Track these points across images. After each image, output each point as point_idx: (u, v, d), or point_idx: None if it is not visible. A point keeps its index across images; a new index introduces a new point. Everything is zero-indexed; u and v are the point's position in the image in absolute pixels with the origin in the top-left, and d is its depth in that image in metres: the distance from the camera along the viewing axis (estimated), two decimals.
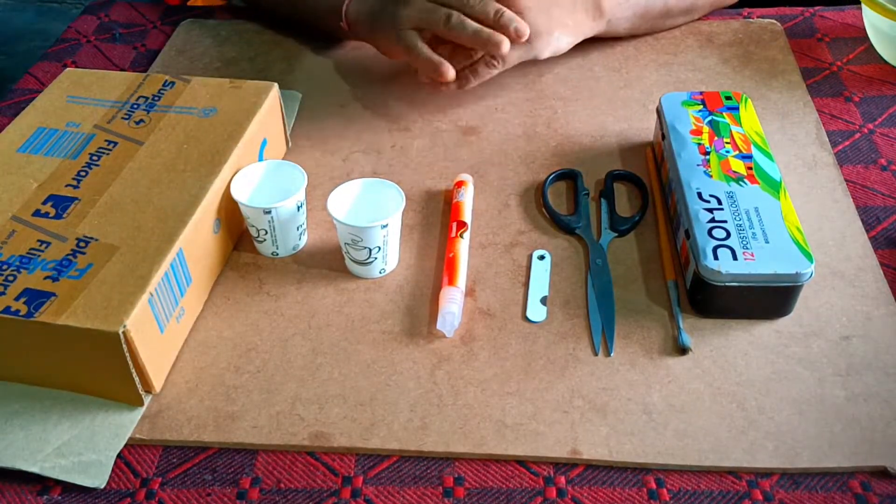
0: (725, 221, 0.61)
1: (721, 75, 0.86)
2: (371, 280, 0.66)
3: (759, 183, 0.65)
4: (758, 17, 0.94)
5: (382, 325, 0.62)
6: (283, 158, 0.77)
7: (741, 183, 0.65)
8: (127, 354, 0.53)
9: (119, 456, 0.55)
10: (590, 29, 0.84)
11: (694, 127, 0.70)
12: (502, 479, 0.53)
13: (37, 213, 0.61)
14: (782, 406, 0.56)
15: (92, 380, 0.57)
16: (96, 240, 0.59)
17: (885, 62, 0.87)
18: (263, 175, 0.68)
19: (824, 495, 0.52)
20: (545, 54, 0.80)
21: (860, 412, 0.55)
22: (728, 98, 0.73)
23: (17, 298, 0.54)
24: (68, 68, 0.80)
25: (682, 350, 0.59)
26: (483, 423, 0.55)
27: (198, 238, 0.62)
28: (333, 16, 0.84)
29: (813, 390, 0.57)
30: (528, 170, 0.76)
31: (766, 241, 0.60)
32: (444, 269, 0.65)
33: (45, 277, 0.56)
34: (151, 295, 0.55)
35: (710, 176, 0.65)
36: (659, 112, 0.74)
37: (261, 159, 0.72)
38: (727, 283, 0.59)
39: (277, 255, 0.68)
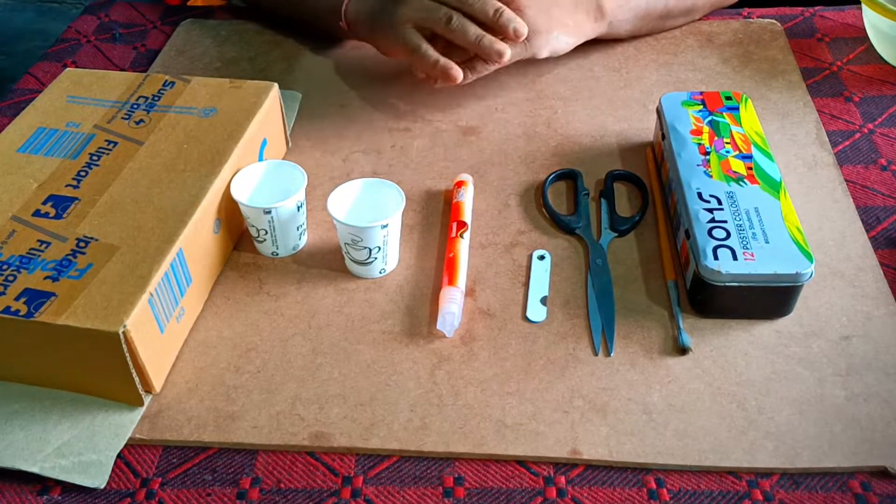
0: (725, 221, 0.61)
1: (721, 75, 0.86)
2: (371, 280, 0.66)
3: (759, 183, 0.65)
4: (758, 17, 0.94)
5: (382, 325, 0.62)
6: (283, 158, 0.77)
7: (741, 183, 0.65)
8: (127, 354, 0.53)
9: (119, 456, 0.55)
10: (591, 30, 0.84)
11: (694, 127, 0.70)
12: (502, 479, 0.53)
13: (37, 213, 0.61)
14: (782, 406, 0.56)
15: (92, 380, 0.57)
16: (96, 240, 0.59)
17: (885, 62, 0.87)
18: (263, 175, 0.68)
19: (824, 495, 0.52)
20: (543, 53, 0.80)
21: (860, 412, 0.55)
22: (728, 98, 0.73)
23: (17, 298, 0.54)
24: (68, 68, 0.80)
25: (682, 350, 0.59)
26: (483, 423, 0.55)
27: (198, 238, 0.62)
28: (333, 15, 0.84)
29: (813, 390, 0.57)
30: (528, 170, 0.76)
31: (766, 241, 0.60)
32: (444, 269, 0.65)
33: (45, 277, 0.56)
34: (151, 295, 0.55)
35: (710, 176, 0.65)
36: (659, 112, 0.74)
37: (261, 159, 0.72)
38: (727, 283, 0.59)
39: (277, 255, 0.68)
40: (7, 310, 0.53)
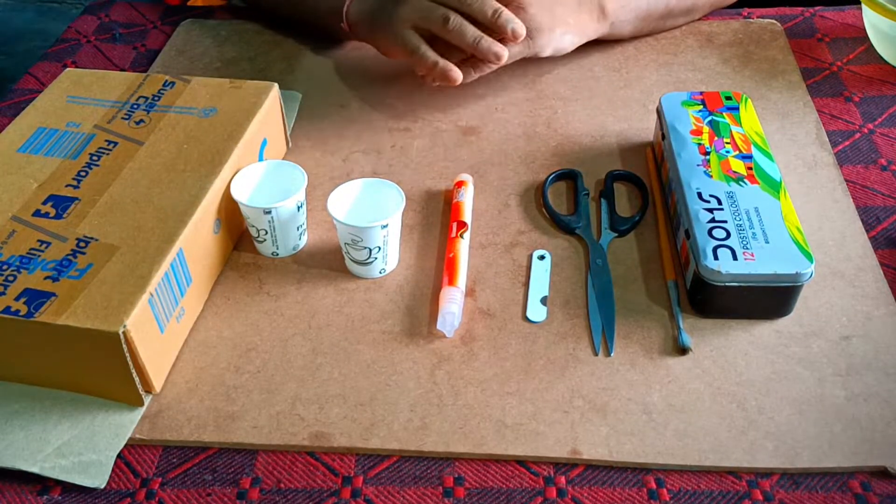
0: (725, 221, 0.61)
1: (721, 75, 0.86)
2: (371, 280, 0.66)
3: (759, 183, 0.65)
4: (758, 17, 0.94)
5: (382, 325, 0.62)
6: (283, 158, 0.77)
7: (741, 183, 0.65)
8: (127, 354, 0.53)
9: (119, 456, 0.55)
10: (593, 31, 0.83)
11: (694, 127, 0.70)
12: (502, 479, 0.53)
13: (37, 213, 0.61)
14: (782, 406, 0.56)
15: (92, 380, 0.57)
16: (96, 240, 0.59)
17: (885, 62, 0.87)
18: (263, 175, 0.68)
19: (824, 495, 0.52)
20: (546, 52, 0.80)
21: (860, 412, 0.55)
22: (728, 98, 0.73)
23: (17, 298, 0.54)
24: (68, 68, 0.80)
25: (682, 350, 0.59)
26: (483, 423, 0.55)
27: (198, 238, 0.62)
28: (334, 16, 0.84)
29: (813, 390, 0.57)
30: (528, 170, 0.76)
31: (766, 241, 0.60)
32: (444, 269, 0.65)
33: (45, 277, 0.56)
34: (151, 295, 0.55)
35: (710, 176, 0.65)
36: (659, 112, 0.74)
37: (261, 159, 0.72)
38: (727, 283, 0.59)
39: (277, 255, 0.68)
40: (7, 310, 0.53)
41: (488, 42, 0.73)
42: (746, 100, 0.73)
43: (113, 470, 0.54)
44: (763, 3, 0.97)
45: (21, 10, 2.56)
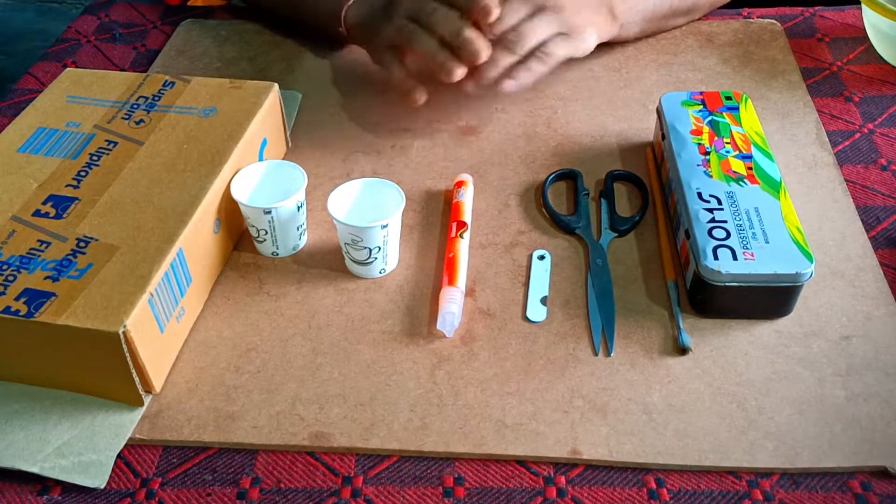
0: (725, 221, 0.61)
1: (721, 75, 0.86)
2: (371, 280, 0.66)
3: (759, 183, 0.65)
4: (758, 17, 0.94)
5: (382, 325, 0.62)
6: (283, 158, 0.77)
7: (741, 183, 0.65)
8: (127, 354, 0.53)
9: (119, 456, 0.55)
10: (607, 33, 0.83)
11: (694, 127, 0.70)
12: (502, 479, 0.53)
13: (37, 213, 0.61)
14: (782, 406, 0.56)
15: (92, 380, 0.57)
16: (96, 240, 0.59)
17: (885, 62, 0.87)
18: (263, 175, 0.68)
19: (824, 495, 0.52)
20: (580, 52, 0.78)
21: (860, 412, 0.55)
22: (728, 98, 0.73)
23: (17, 298, 0.54)
24: (68, 68, 0.80)
25: (682, 350, 0.59)
26: (483, 423, 0.55)
27: (198, 238, 0.62)
28: (333, 19, 0.84)
29: (813, 390, 0.57)
30: (528, 170, 0.76)
31: (766, 241, 0.60)
32: (444, 269, 0.65)
33: (45, 277, 0.56)
34: (151, 295, 0.55)
35: (710, 176, 0.65)
36: (659, 112, 0.74)
37: (261, 159, 0.72)
38: (727, 283, 0.59)
39: (277, 255, 0.68)
40: (7, 310, 0.53)
41: (443, 58, 0.71)
42: (746, 100, 0.73)
43: (113, 470, 0.54)
44: (763, 3, 0.97)
45: (21, 10, 2.56)
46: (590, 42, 0.79)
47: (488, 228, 0.70)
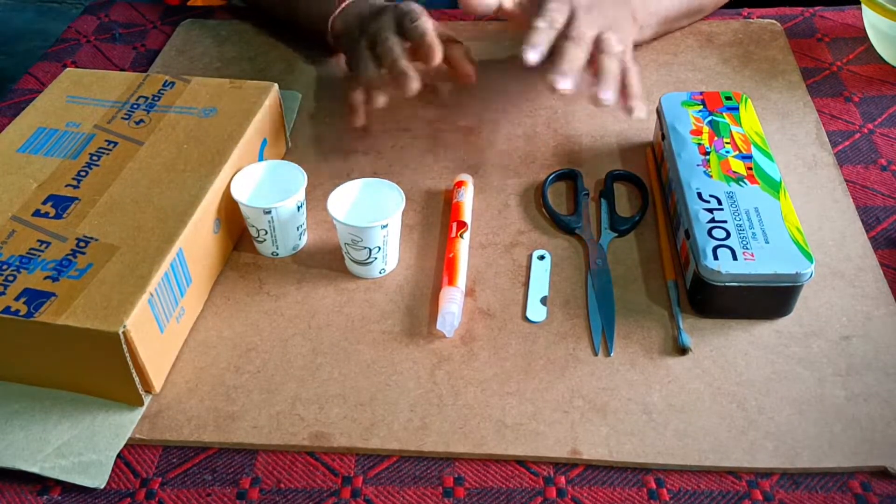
0: (725, 221, 0.61)
1: (721, 75, 0.86)
2: (371, 280, 0.66)
3: (759, 183, 0.65)
4: (758, 17, 0.94)
5: (382, 325, 0.62)
6: (283, 158, 0.77)
7: (741, 183, 0.65)
8: (127, 354, 0.53)
9: (119, 456, 0.55)
10: (630, 36, 0.82)
11: (694, 127, 0.70)
12: (502, 479, 0.53)
13: (37, 213, 0.61)
14: (782, 406, 0.56)
15: (92, 380, 0.57)
16: (96, 240, 0.59)
17: (885, 62, 0.87)
18: (263, 175, 0.68)
19: (824, 495, 0.52)
20: (630, 46, 0.74)
21: (860, 412, 0.55)
22: (728, 98, 0.73)
23: (17, 298, 0.54)
24: (68, 68, 0.80)
25: (682, 350, 0.59)
26: (483, 423, 0.55)
27: (198, 238, 0.62)
28: (323, 26, 0.84)
29: (813, 390, 0.57)
30: (528, 170, 0.76)
31: (766, 241, 0.60)
32: (444, 269, 0.65)
33: (45, 277, 0.56)
34: (151, 295, 0.55)
35: (710, 176, 0.65)
36: (659, 112, 0.74)
37: (261, 159, 0.72)
38: (727, 283, 0.59)
39: (277, 255, 0.68)
40: (7, 310, 0.53)
41: (400, 68, 0.70)
42: (746, 100, 0.73)
43: (113, 470, 0.54)
44: (763, 3, 0.97)
45: (21, 10, 2.56)
46: (631, 35, 0.75)
47: (488, 228, 0.70)
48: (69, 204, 0.62)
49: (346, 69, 0.81)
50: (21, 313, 0.53)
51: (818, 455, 0.53)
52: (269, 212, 0.64)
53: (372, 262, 0.64)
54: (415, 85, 0.69)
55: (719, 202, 0.63)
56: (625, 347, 0.60)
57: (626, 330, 0.61)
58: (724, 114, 0.72)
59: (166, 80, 0.75)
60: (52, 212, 0.61)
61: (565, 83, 0.64)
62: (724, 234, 0.60)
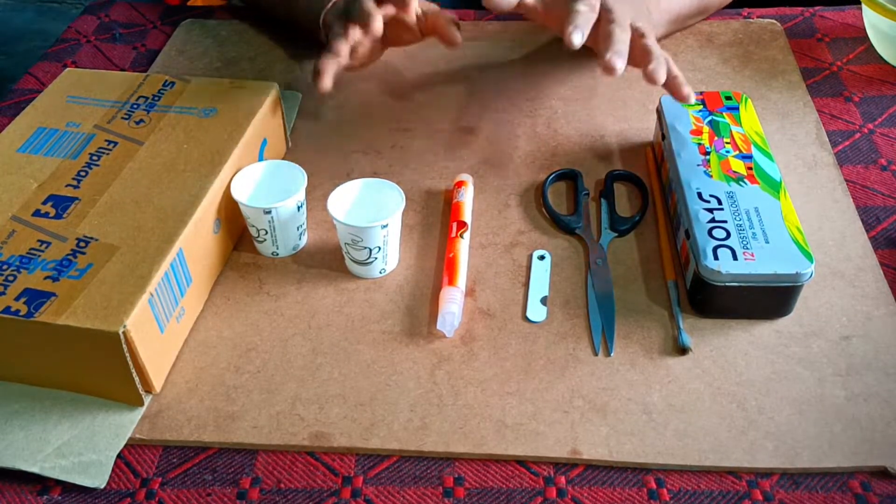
0: (725, 221, 0.61)
1: (721, 75, 0.86)
2: (371, 280, 0.66)
3: (759, 183, 0.65)
4: (758, 17, 0.94)
5: (382, 325, 0.62)
6: (283, 158, 0.77)
7: (741, 183, 0.65)
8: (127, 354, 0.53)
9: (119, 456, 0.55)
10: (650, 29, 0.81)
11: (694, 127, 0.70)
12: (502, 479, 0.53)
13: (37, 213, 0.61)
14: (782, 406, 0.56)
15: (92, 380, 0.57)
16: (96, 240, 0.59)
17: (885, 62, 0.87)
18: (263, 175, 0.68)
19: (824, 495, 0.52)
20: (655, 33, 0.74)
21: (860, 412, 0.55)
22: (728, 98, 0.73)
23: (17, 298, 0.54)
24: (68, 68, 0.80)
25: (682, 350, 0.59)
26: (483, 423, 0.55)
27: (198, 238, 0.62)
28: (316, 23, 0.84)
29: (813, 390, 0.57)
30: (528, 170, 0.76)
31: (766, 241, 0.60)
32: (444, 269, 0.65)
33: (45, 277, 0.56)
34: (151, 295, 0.55)
35: (710, 176, 0.65)
36: (659, 112, 0.74)
37: (261, 159, 0.72)
38: (727, 283, 0.59)
39: (277, 255, 0.68)
40: (7, 310, 0.53)
41: (367, 9, 0.71)
42: (746, 100, 0.73)
43: (113, 470, 0.54)
44: (763, 3, 0.97)
45: (21, 10, 2.56)
46: (652, 30, 0.73)
47: (488, 228, 0.70)
48: (69, 204, 0.62)
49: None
50: (21, 313, 0.53)
51: (818, 455, 0.53)
52: (270, 212, 0.64)
53: (372, 262, 0.64)
54: (377, 24, 0.69)
55: (719, 202, 0.63)
56: (625, 347, 0.60)
57: (626, 330, 0.61)
58: (724, 114, 0.72)
59: (166, 80, 0.75)
60: (52, 212, 0.61)
61: (622, 63, 0.63)
62: (724, 234, 0.60)
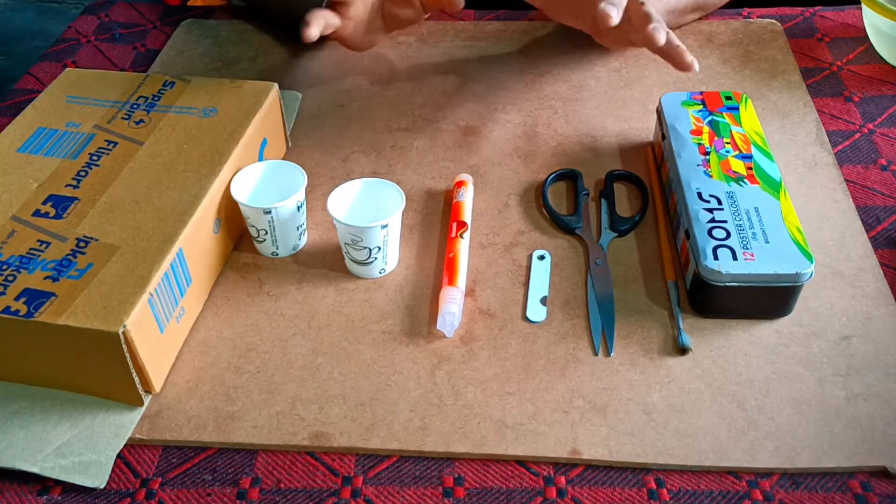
0: (725, 221, 0.61)
1: (721, 75, 0.86)
2: (371, 280, 0.66)
3: (759, 183, 0.65)
4: (758, 17, 0.94)
5: (382, 325, 0.62)
6: (283, 158, 0.77)
7: (741, 183, 0.65)
8: (127, 354, 0.53)
9: (119, 456, 0.55)
10: None
11: (694, 127, 0.70)
12: (502, 479, 0.53)
13: (37, 213, 0.61)
14: (782, 406, 0.56)
15: (92, 380, 0.57)
16: (96, 240, 0.59)
17: (885, 62, 0.87)
18: (263, 175, 0.68)
19: (824, 495, 0.52)
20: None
21: (860, 412, 0.55)
22: (728, 98, 0.73)
23: (17, 298, 0.54)
24: (68, 68, 0.80)
25: (682, 350, 0.59)
26: (483, 423, 0.55)
27: (198, 238, 0.62)
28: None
29: (813, 390, 0.57)
30: (528, 170, 0.76)
31: (766, 241, 0.60)
32: (444, 269, 0.65)
33: (45, 277, 0.56)
34: (151, 295, 0.55)
35: (710, 176, 0.65)
36: (659, 112, 0.74)
37: (261, 159, 0.72)
38: (727, 283, 0.59)
39: (277, 255, 0.68)
40: (7, 310, 0.53)
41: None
42: (746, 100, 0.73)
43: (113, 470, 0.54)
44: (763, 3, 0.97)
45: (21, 10, 2.56)
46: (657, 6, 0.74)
47: (488, 228, 0.70)
48: (69, 204, 0.62)
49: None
50: (21, 313, 0.53)
51: (818, 455, 0.53)
52: (269, 212, 0.64)
53: (372, 262, 0.64)
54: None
55: (719, 202, 0.63)
56: (625, 347, 0.60)
57: (626, 330, 0.61)
58: (724, 114, 0.72)
59: (166, 80, 0.75)
60: (52, 212, 0.61)
61: (616, 12, 0.63)
62: (724, 234, 0.60)
